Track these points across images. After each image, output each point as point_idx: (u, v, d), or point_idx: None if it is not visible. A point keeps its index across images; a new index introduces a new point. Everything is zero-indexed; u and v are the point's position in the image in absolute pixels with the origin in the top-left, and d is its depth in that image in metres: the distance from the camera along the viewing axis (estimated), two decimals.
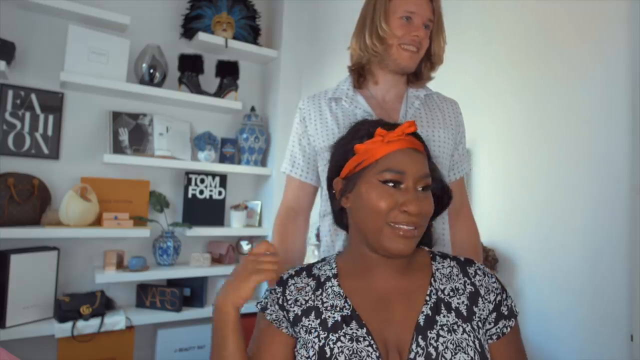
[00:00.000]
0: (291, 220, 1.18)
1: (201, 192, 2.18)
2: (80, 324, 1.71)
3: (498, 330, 0.77)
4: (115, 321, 1.78)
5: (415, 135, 0.80)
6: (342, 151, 0.83)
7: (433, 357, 0.69)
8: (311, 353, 0.73)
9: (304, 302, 0.79)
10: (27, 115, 1.81)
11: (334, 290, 0.79)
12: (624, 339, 1.77)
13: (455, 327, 0.73)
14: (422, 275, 0.79)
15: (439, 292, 0.77)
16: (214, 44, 2.11)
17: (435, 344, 0.71)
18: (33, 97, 1.82)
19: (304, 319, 0.77)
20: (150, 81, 1.98)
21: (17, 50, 1.76)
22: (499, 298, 0.77)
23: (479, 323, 0.75)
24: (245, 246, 2.22)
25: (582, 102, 2.02)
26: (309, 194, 1.20)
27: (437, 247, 1.10)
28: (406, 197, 0.73)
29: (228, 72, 2.16)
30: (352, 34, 1.17)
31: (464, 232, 1.19)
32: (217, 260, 2.18)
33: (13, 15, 1.79)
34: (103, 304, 1.81)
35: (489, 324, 0.76)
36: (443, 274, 0.79)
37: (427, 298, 0.76)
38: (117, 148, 1.94)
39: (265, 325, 0.83)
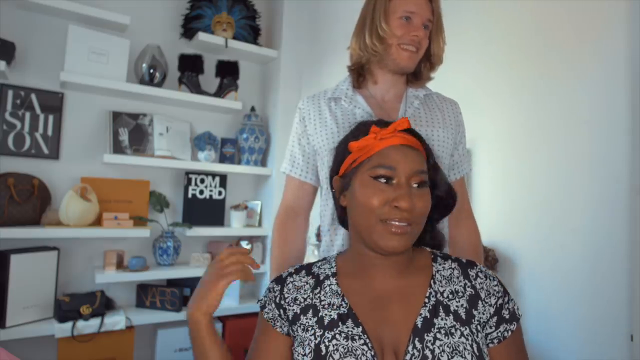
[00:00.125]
0: (291, 220, 1.18)
1: (201, 192, 2.18)
2: (80, 324, 1.71)
3: (499, 334, 0.75)
4: (115, 321, 1.78)
5: (411, 132, 0.80)
6: (341, 150, 0.84)
7: (429, 359, 0.69)
8: (307, 350, 0.73)
9: (302, 301, 0.79)
10: (27, 115, 1.81)
11: (332, 289, 0.79)
12: (624, 339, 1.77)
13: (453, 330, 0.72)
14: (421, 276, 0.79)
15: (438, 295, 0.76)
16: (214, 44, 2.11)
17: (432, 347, 0.70)
18: (33, 97, 1.82)
19: (302, 317, 0.78)
20: (150, 81, 1.98)
21: (17, 50, 1.76)
22: (500, 301, 0.76)
23: (478, 326, 0.74)
24: (245, 246, 2.22)
25: (581, 102, 2.02)
26: (309, 194, 1.20)
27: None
28: (397, 192, 0.72)
29: (228, 72, 2.16)
30: (352, 34, 1.17)
31: (464, 232, 1.19)
32: None
33: (13, 15, 1.80)
34: (103, 304, 1.81)
35: (490, 327, 0.75)
36: (443, 275, 0.78)
37: (426, 300, 0.75)
38: (117, 148, 1.94)
39: (262, 323, 0.83)
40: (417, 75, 1.18)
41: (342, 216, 0.88)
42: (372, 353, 0.71)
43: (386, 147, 0.76)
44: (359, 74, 1.17)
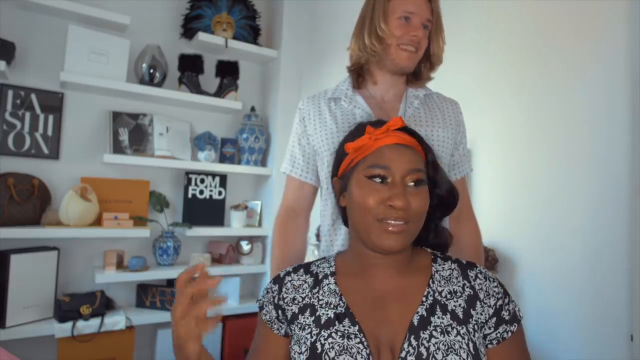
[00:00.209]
0: (291, 220, 1.18)
1: (201, 192, 2.18)
2: (80, 324, 1.71)
3: (498, 335, 0.75)
4: (115, 321, 1.78)
5: (408, 131, 0.80)
6: (340, 152, 0.85)
7: (424, 357, 0.69)
8: (303, 349, 0.74)
9: (300, 300, 0.79)
10: (27, 115, 1.81)
11: (330, 288, 0.79)
12: (624, 339, 1.77)
13: (449, 329, 0.72)
14: (421, 276, 0.79)
15: (436, 294, 0.76)
16: (214, 44, 2.11)
17: (427, 345, 0.70)
18: (33, 97, 1.82)
19: (300, 316, 0.78)
20: (150, 81, 1.98)
21: (17, 50, 1.76)
22: (500, 302, 0.76)
23: (476, 326, 0.74)
24: (245, 246, 2.22)
25: (581, 102, 2.02)
26: (309, 194, 1.20)
27: None
28: (392, 191, 0.73)
29: (228, 72, 2.16)
30: (352, 35, 1.17)
31: (465, 233, 1.18)
32: (217, 260, 2.18)
33: (13, 15, 1.80)
34: (103, 304, 1.81)
35: (489, 328, 0.75)
36: (442, 276, 0.79)
37: (424, 299, 0.75)
38: (117, 148, 1.94)
39: (261, 325, 0.84)
40: (417, 75, 1.18)
41: (344, 216, 0.88)
42: (368, 351, 0.71)
43: (380, 146, 0.76)
44: (359, 74, 1.17)
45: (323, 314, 0.76)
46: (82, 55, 1.82)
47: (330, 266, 0.83)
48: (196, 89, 2.10)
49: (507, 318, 0.76)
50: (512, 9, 2.38)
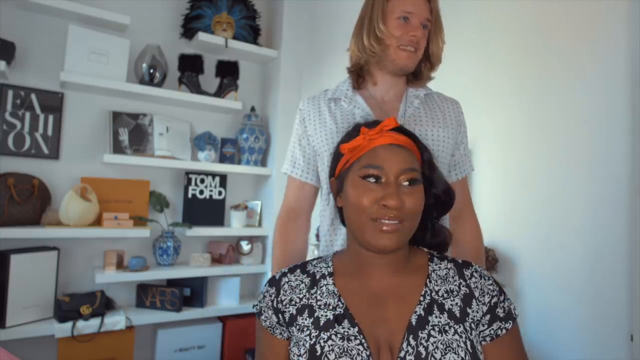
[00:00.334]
0: (292, 220, 1.18)
1: (201, 192, 2.18)
2: (80, 324, 1.71)
3: (492, 332, 0.76)
4: (115, 321, 1.78)
5: (402, 131, 0.81)
6: (336, 152, 0.85)
7: (423, 356, 0.70)
8: (302, 351, 0.73)
9: (298, 301, 0.79)
10: (27, 115, 1.81)
11: (329, 289, 0.79)
12: (624, 339, 1.77)
13: (447, 328, 0.73)
14: (418, 276, 0.79)
15: (433, 293, 0.77)
16: (214, 44, 2.12)
17: (425, 344, 0.71)
18: (33, 97, 1.82)
19: (298, 317, 0.78)
20: (150, 81, 1.98)
21: (17, 50, 1.77)
22: (494, 300, 0.77)
23: (472, 325, 0.75)
24: (245, 246, 2.22)
25: (581, 102, 2.02)
26: (310, 195, 1.20)
27: None
28: (386, 191, 0.73)
29: (228, 72, 2.17)
30: (351, 35, 1.17)
31: (466, 233, 1.18)
32: (217, 260, 2.18)
33: (13, 15, 1.80)
34: (103, 304, 1.81)
35: (483, 325, 0.75)
36: (439, 275, 0.79)
37: (421, 298, 0.76)
38: (117, 148, 1.94)
39: (263, 332, 0.83)
40: (417, 75, 1.17)
41: (341, 216, 0.89)
42: (368, 353, 0.71)
43: (374, 147, 0.77)
44: (359, 75, 1.17)
45: (322, 315, 0.76)
46: (82, 55, 1.82)
47: (328, 266, 0.83)
48: (196, 89, 2.10)
49: (501, 315, 0.76)
50: (511, 9, 2.38)
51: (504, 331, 0.76)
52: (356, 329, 0.74)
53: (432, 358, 0.70)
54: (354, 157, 0.79)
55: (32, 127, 1.81)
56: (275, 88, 2.30)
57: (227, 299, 2.12)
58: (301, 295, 0.79)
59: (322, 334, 0.74)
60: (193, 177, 2.16)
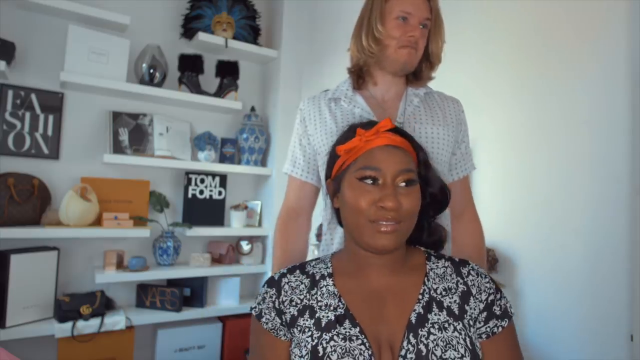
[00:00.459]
0: (293, 220, 1.18)
1: (201, 192, 2.18)
2: (80, 324, 1.71)
3: (488, 329, 0.77)
4: (115, 321, 1.78)
5: (398, 132, 0.81)
6: (332, 153, 0.85)
7: (423, 354, 0.71)
8: (304, 352, 0.73)
9: (299, 302, 0.79)
10: (27, 115, 1.81)
11: (329, 290, 0.79)
12: (624, 339, 1.77)
13: (447, 325, 0.74)
14: (416, 275, 0.80)
15: (432, 291, 0.78)
16: (214, 44, 2.12)
17: (425, 341, 0.72)
18: (33, 97, 1.82)
19: (299, 319, 0.77)
20: (150, 81, 1.98)
21: (17, 50, 1.76)
22: (491, 298, 0.78)
23: (470, 321, 0.76)
24: (245, 246, 2.22)
25: (581, 102, 2.02)
26: (311, 194, 1.20)
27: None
28: (383, 193, 0.74)
29: (228, 72, 2.16)
30: (351, 36, 1.17)
31: (468, 234, 1.17)
32: (217, 260, 2.18)
33: (13, 15, 1.80)
34: (103, 304, 1.81)
35: (479, 322, 0.77)
36: (437, 273, 0.80)
37: (420, 297, 0.77)
38: (117, 148, 1.94)
39: (263, 334, 0.80)
40: (417, 76, 1.17)
41: (338, 217, 0.89)
42: (370, 352, 0.71)
43: (371, 148, 0.77)
44: (359, 76, 1.17)
45: (323, 316, 0.76)
46: (82, 55, 1.82)
47: (327, 267, 0.83)
48: (196, 89, 2.10)
49: (498, 313, 0.78)
50: (511, 9, 2.38)
51: (500, 329, 0.77)
52: (357, 329, 0.74)
53: (433, 355, 0.70)
54: (350, 158, 0.79)
55: (32, 127, 1.81)
56: (275, 88, 2.30)
57: (227, 299, 2.12)
58: (301, 296, 0.79)
59: (324, 335, 0.74)
60: (193, 177, 2.16)
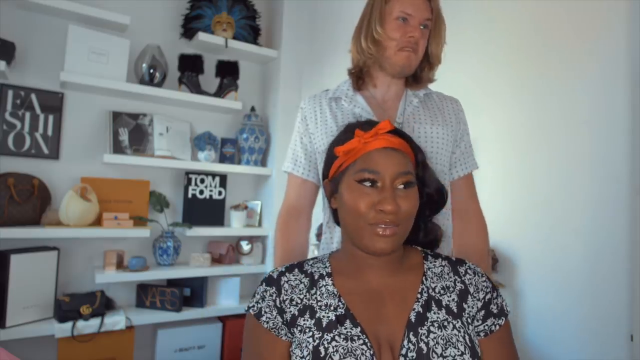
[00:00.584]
0: (293, 218, 1.18)
1: (201, 192, 2.18)
2: (80, 324, 1.71)
3: (486, 327, 0.78)
4: (115, 321, 1.78)
5: (397, 133, 0.81)
6: (330, 153, 0.85)
7: (424, 352, 0.71)
8: (305, 353, 0.73)
9: (299, 301, 0.79)
10: (27, 115, 1.81)
11: (328, 290, 0.79)
12: (624, 339, 1.77)
13: (446, 323, 0.74)
14: (414, 274, 0.81)
15: (430, 290, 0.78)
16: (214, 44, 2.11)
17: (426, 340, 0.72)
18: (33, 97, 1.82)
19: (299, 319, 0.77)
20: (150, 81, 1.98)
21: (17, 50, 1.76)
22: (488, 296, 0.79)
23: (469, 319, 0.77)
24: (245, 246, 2.22)
25: (581, 102, 2.02)
26: (311, 192, 1.20)
27: (441, 244, 1.09)
28: (382, 195, 0.74)
29: (228, 72, 2.16)
30: (352, 37, 1.17)
31: (471, 236, 1.15)
32: (217, 260, 2.18)
33: (13, 15, 1.80)
34: (103, 304, 1.81)
35: (477, 321, 0.78)
36: (434, 272, 0.81)
37: (419, 296, 0.77)
38: (117, 148, 1.94)
39: (262, 333, 0.78)
40: (417, 78, 1.17)
41: (335, 217, 0.89)
42: (372, 352, 0.72)
43: (370, 150, 0.77)
44: (359, 77, 1.17)
45: (323, 316, 0.76)
46: (82, 55, 1.82)
47: (325, 267, 0.83)
48: (196, 89, 2.10)
49: (495, 311, 0.79)
50: (512, 9, 2.38)
51: (497, 327, 0.79)
52: (359, 328, 0.74)
53: (434, 353, 0.71)
54: (348, 160, 0.79)
55: (32, 127, 1.81)
56: (275, 88, 2.30)
57: (227, 299, 2.12)
58: (301, 296, 0.79)
59: (325, 335, 0.74)
60: (193, 177, 2.16)
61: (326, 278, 0.81)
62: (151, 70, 1.98)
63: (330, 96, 1.17)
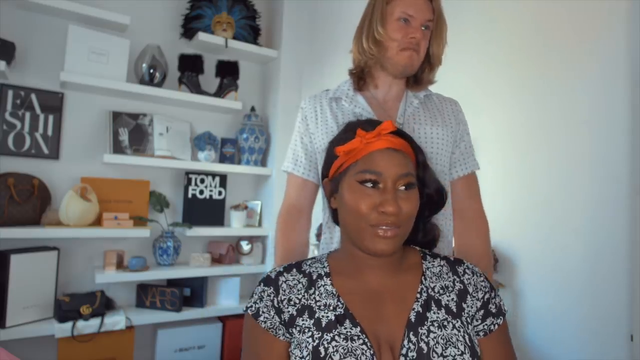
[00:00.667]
0: (294, 218, 1.18)
1: (201, 192, 2.18)
2: (80, 324, 1.71)
3: (485, 327, 0.79)
4: (115, 321, 1.78)
5: (399, 134, 0.81)
6: (330, 152, 0.85)
7: (424, 351, 0.71)
8: (305, 353, 0.73)
9: (297, 302, 0.78)
10: (27, 115, 1.81)
11: (327, 289, 0.79)
12: (624, 339, 1.77)
13: (445, 323, 0.75)
14: (412, 274, 0.81)
15: (429, 290, 0.79)
16: (214, 44, 2.11)
17: (426, 340, 0.72)
18: (33, 97, 1.82)
19: (298, 319, 0.77)
20: (150, 81, 1.98)
21: (17, 50, 1.76)
22: (487, 296, 0.80)
23: (468, 319, 0.77)
24: (245, 246, 2.22)
25: (581, 102, 2.02)
26: (311, 192, 1.20)
27: (440, 244, 1.09)
28: (384, 197, 0.74)
29: (228, 72, 2.16)
30: (353, 37, 1.17)
31: (468, 236, 1.15)
32: (217, 260, 2.18)
33: (13, 15, 1.80)
34: (103, 304, 1.81)
35: (477, 320, 0.78)
36: (433, 272, 0.81)
37: (418, 295, 0.78)
38: (117, 148, 1.94)
39: (260, 333, 0.78)
40: (417, 80, 1.17)
41: (335, 217, 0.89)
42: (372, 352, 0.71)
43: (371, 151, 0.77)
44: (360, 77, 1.17)
45: (323, 316, 0.76)
46: (82, 55, 1.82)
47: (324, 267, 0.83)
48: (196, 89, 2.10)
49: (493, 311, 0.80)
50: (512, 10, 2.38)
51: (496, 326, 0.79)
52: (358, 328, 0.74)
53: (434, 353, 0.71)
54: (350, 160, 0.78)
55: (32, 127, 1.81)
56: (275, 88, 2.30)
57: (227, 299, 2.12)
58: (300, 296, 0.79)
59: (325, 335, 0.73)
60: (193, 177, 2.16)
61: (325, 278, 0.81)
62: (151, 70, 1.98)
63: (330, 96, 1.17)
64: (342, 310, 0.76)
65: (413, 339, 0.72)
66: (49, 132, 1.85)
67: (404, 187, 0.76)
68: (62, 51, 1.83)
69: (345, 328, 0.74)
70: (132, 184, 1.98)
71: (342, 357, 0.71)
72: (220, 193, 2.24)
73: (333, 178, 0.83)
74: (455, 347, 0.72)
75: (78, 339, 1.70)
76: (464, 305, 0.78)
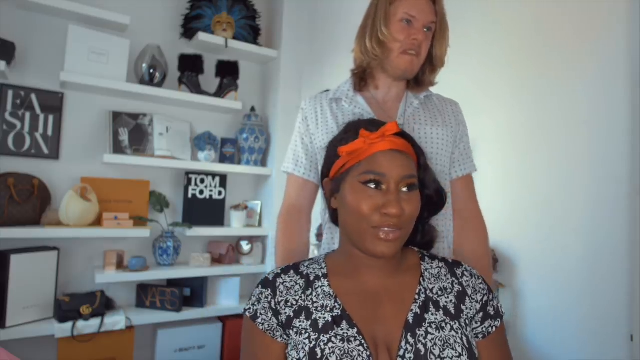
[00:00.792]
0: (294, 218, 1.18)
1: (201, 192, 2.18)
2: (80, 324, 1.71)
3: (484, 329, 0.79)
4: (115, 321, 1.78)
5: (402, 136, 0.81)
6: (331, 152, 0.84)
7: (422, 353, 0.71)
8: (301, 355, 0.72)
9: (294, 303, 0.78)
10: (27, 115, 1.81)
11: (324, 291, 0.79)
12: (624, 339, 1.77)
13: (444, 324, 0.75)
14: (411, 275, 0.81)
15: (428, 292, 0.78)
16: (214, 44, 2.11)
17: (424, 341, 0.72)
18: (33, 97, 1.82)
19: (295, 320, 0.77)
20: (150, 81, 1.98)
21: (17, 50, 1.76)
22: (485, 298, 0.80)
23: (467, 321, 0.77)
24: (245, 246, 2.22)
25: (581, 102, 2.02)
26: (312, 192, 1.20)
27: (439, 245, 1.09)
28: (386, 198, 0.73)
29: (228, 72, 2.16)
30: (355, 37, 1.17)
31: (466, 237, 1.15)
32: (217, 260, 2.18)
33: (13, 15, 1.80)
34: (103, 304, 1.81)
35: (476, 323, 0.78)
36: (432, 274, 0.81)
37: (416, 297, 0.77)
38: (117, 148, 1.94)
39: (258, 335, 0.78)
40: (418, 81, 1.17)
41: (334, 217, 0.89)
42: (368, 353, 0.71)
43: (375, 152, 0.76)
44: (361, 78, 1.17)
45: (320, 317, 0.76)
46: (82, 55, 1.81)
47: (321, 268, 0.83)
48: (196, 89, 2.10)
49: (492, 313, 0.80)
50: (512, 10, 2.38)
51: (494, 329, 0.80)
52: (355, 329, 0.74)
53: (432, 354, 0.71)
54: (352, 160, 0.78)
55: (32, 127, 1.81)
56: (275, 88, 2.30)
57: (227, 299, 2.12)
58: (297, 297, 0.79)
59: (321, 337, 0.73)
60: (193, 177, 2.16)
61: (322, 279, 0.81)
62: (151, 70, 1.98)
63: (330, 97, 1.18)
64: (339, 311, 0.76)
65: (411, 340, 0.72)
66: (49, 132, 1.85)
67: (406, 189, 0.75)
68: (62, 51, 1.83)
69: (342, 329, 0.74)
70: (132, 184, 1.98)
71: (338, 358, 0.70)
72: (220, 193, 2.24)
73: (334, 178, 0.82)
74: (453, 348, 0.72)
75: (78, 339, 1.70)
76: (463, 307, 0.77)
